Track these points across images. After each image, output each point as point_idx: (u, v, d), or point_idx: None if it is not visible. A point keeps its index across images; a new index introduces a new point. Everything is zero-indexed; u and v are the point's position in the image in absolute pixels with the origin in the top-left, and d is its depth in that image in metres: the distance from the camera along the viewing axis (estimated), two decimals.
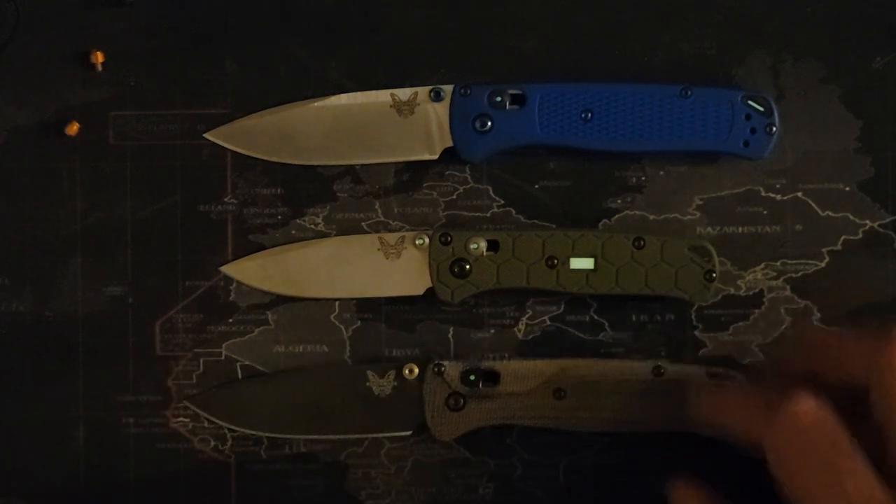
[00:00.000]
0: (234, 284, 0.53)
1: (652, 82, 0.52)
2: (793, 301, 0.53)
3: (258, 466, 0.54)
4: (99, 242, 0.54)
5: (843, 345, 0.43)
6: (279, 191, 0.54)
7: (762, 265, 0.53)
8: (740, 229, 0.53)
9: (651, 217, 0.53)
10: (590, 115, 0.50)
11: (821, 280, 0.53)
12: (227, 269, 0.53)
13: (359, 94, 0.52)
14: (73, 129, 0.53)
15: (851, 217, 0.53)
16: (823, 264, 0.53)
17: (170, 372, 0.54)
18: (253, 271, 0.53)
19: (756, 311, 0.53)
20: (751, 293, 0.53)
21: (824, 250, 0.53)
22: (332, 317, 0.54)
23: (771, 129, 0.50)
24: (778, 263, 0.53)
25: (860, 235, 0.53)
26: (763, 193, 0.53)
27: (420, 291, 0.52)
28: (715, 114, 0.50)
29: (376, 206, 0.53)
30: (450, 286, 0.52)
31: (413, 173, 0.53)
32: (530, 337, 0.53)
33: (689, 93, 0.51)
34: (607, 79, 0.52)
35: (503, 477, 0.53)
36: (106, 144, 0.54)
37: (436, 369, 0.52)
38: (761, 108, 0.50)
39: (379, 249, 0.52)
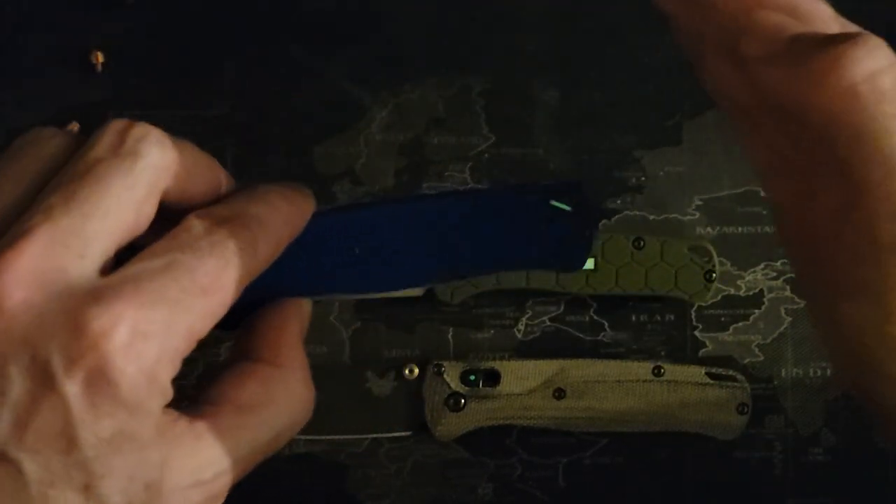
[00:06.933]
0: None
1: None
2: (793, 301, 0.53)
3: (258, 466, 0.54)
4: None
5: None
6: None
7: (762, 265, 0.53)
8: (740, 229, 0.53)
9: (651, 217, 0.53)
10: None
11: None
12: None
13: None
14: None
15: None
16: None
17: None
18: None
19: (756, 311, 0.53)
20: (751, 293, 0.53)
21: None
22: (331, 317, 0.54)
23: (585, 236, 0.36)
24: (778, 263, 0.53)
25: None
26: (763, 193, 0.53)
27: (420, 291, 0.52)
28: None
29: None
30: (450, 286, 0.52)
31: (413, 173, 0.53)
32: (530, 337, 0.53)
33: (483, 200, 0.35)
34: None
35: (503, 477, 0.53)
36: None
37: (436, 369, 0.52)
38: (567, 208, 0.35)
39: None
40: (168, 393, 0.26)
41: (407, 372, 0.52)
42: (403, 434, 0.53)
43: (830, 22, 0.30)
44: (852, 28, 0.30)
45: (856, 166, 0.26)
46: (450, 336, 0.53)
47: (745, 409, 0.51)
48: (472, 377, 0.52)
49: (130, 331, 0.24)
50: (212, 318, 0.26)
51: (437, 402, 0.52)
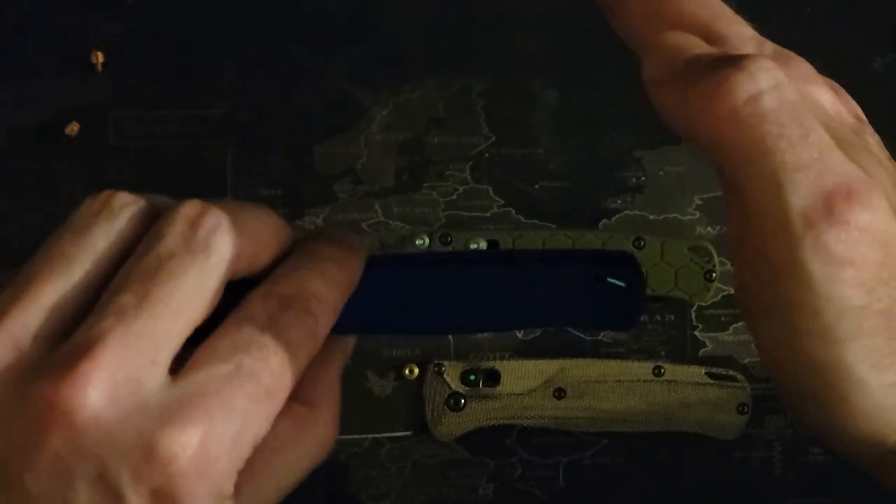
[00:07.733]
0: None
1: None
2: None
3: None
4: None
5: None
6: (279, 191, 0.54)
7: None
8: None
9: (651, 217, 0.53)
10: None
11: None
12: None
13: None
14: (73, 129, 0.53)
15: None
16: None
17: None
18: None
19: None
20: None
21: None
22: None
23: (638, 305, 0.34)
24: None
25: None
26: None
27: None
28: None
29: (376, 207, 0.53)
30: None
31: (413, 173, 0.53)
32: (530, 336, 0.53)
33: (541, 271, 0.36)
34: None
35: (503, 477, 0.53)
36: (106, 145, 0.54)
37: (436, 369, 0.52)
38: (622, 284, 0.35)
39: (379, 250, 0.52)
40: (230, 494, 0.25)
41: (407, 372, 0.52)
42: (404, 434, 0.53)
43: (746, 43, 0.29)
44: (768, 49, 0.29)
45: (744, 189, 0.25)
46: (450, 336, 0.53)
47: (745, 409, 0.51)
48: (472, 377, 0.52)
49: (199, 453, 0.24)
50: (274, 416, 0.26)
51: (438, 402, 0.52)
